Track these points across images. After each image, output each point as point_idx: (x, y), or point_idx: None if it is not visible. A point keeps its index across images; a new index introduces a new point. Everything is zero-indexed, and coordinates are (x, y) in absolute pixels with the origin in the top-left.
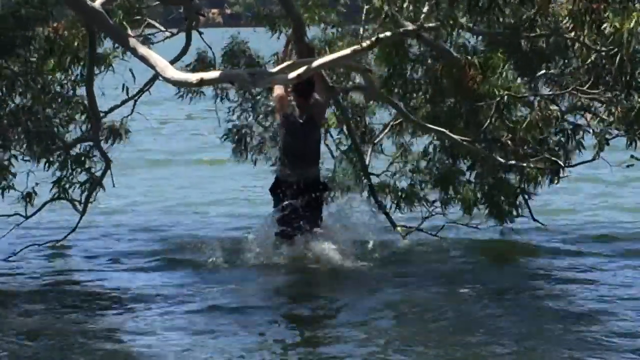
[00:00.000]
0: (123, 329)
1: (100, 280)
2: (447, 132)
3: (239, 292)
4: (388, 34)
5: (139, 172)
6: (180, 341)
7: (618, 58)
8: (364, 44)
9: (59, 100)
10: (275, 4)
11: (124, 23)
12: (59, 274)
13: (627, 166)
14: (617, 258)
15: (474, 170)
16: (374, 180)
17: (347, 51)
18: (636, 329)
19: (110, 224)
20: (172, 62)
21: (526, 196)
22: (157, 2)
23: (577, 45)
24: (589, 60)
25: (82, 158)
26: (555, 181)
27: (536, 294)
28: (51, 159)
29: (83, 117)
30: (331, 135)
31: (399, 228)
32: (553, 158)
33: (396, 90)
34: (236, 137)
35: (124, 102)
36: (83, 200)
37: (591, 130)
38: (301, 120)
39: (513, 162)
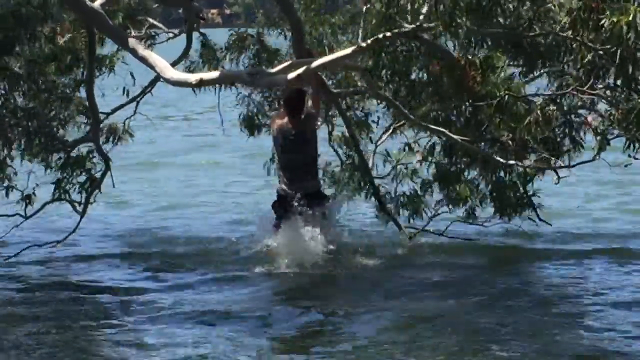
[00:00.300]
0: (123, 329)
1: (100, 282)
2: (447, 132)
3: (240, 292)
4: (388, 34)
5: (138, 172)
6: (180, 341)
7: (618, 56)
8: (364, 44)
9: (60, 100)
10: (274, 5)
11: (127, 24)
12: (59, 275)
13: (625, 166)
14: (622, 261)
15: (473, 169)
16: (377, 182)
17: (347, 51)
18: None
19: (110, 225)
20: (173, 65)
21: (531, 195)
22: (157, 4)
23: (575, 44)
24: (587, 59)
25: (83, 159)
26: (555, 182)
27: (538, 297)
28: (50, 159)
29: (83, 118)
30: (334, 141)
31: (404, 230)
32: (553, 158)
33: (393, 87)
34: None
35: (125, 104)
36: (83, 201)
37: (592, 130)
38: (294, 135)
39: (513, 162)
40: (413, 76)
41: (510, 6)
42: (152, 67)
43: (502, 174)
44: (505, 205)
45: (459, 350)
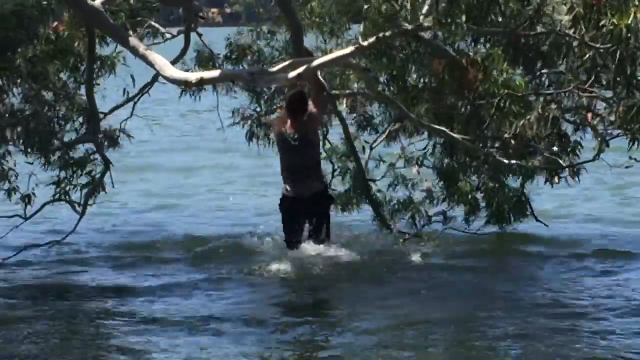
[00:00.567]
0: (123, 329)
1: (100, 281)
2: (447, 130)
3: (240, 293)
4: (387, 33)
5: (138, 172)
6: (181, 341)
7: (618, 55)
8: (364, 43)
9: (58, 97)
10: (274, 6)
11: (126, 23)
12: (58, 275)
13: (626, 167)
14: (621, 263)
15: (473, 167)
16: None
17: (347, 50)
18: None
19: (110, 225)
20: (171, 64)
21: (528, 196)
22: (157, 3)
23: (576, 43)
24: (587, 56)
25: (84, 161)
26: (556, 181)
27: (538, 298)
28: (50, 157)
29: (80, 118)
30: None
31: (396, 234)
32: (554, 157)
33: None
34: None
35: (122, 105)
36: (82, 202)
37: (591, 129)
38: (295, 139)
39: (514, 161)
40: (414, 76)
41: (511, 5)
42: (152, 65)
43: (502, 178)
44: (499, 214)
45: (457, 353)
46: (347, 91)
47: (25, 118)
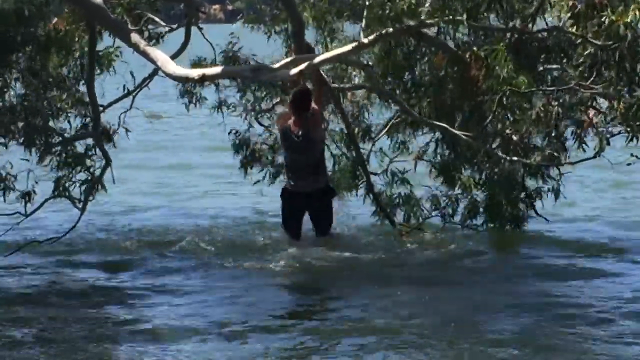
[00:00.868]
0: (123, 327)
1: (101, 278)
2: (448, 127)
3: (240, 294)
4: (390, 30)
5: (137, 171)
6: (181, 341)
7: (618, 52)
8: (366, 40)
9: (59, 91)
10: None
11: (125, 17)
12: (59, 271)
13: (628, 164)
14: (620, 263)
15: (474, 163)
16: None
17: (349, 47)
18: None
19: (110, 221)
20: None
21: (531, 193)
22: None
23: (579, 40)
24: (587, 52)
25: (83, 157)
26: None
27: (537, 299)
28: (50, 152)
29: (77, 111)
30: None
31: (398, 227)
32: (555, 154)
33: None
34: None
35: (121, 98)
36: (82, 198)
37: (593, 127)
38: (299, 136)
39: (515, 158)
40: (416, 72)
41: (514, 2)
42: (153, 61)
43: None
44: (501, 217)
45: (457, 353)
46: (347, 85)
47: (25, 109)
